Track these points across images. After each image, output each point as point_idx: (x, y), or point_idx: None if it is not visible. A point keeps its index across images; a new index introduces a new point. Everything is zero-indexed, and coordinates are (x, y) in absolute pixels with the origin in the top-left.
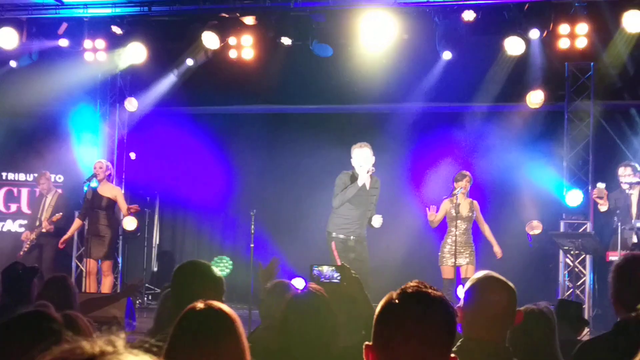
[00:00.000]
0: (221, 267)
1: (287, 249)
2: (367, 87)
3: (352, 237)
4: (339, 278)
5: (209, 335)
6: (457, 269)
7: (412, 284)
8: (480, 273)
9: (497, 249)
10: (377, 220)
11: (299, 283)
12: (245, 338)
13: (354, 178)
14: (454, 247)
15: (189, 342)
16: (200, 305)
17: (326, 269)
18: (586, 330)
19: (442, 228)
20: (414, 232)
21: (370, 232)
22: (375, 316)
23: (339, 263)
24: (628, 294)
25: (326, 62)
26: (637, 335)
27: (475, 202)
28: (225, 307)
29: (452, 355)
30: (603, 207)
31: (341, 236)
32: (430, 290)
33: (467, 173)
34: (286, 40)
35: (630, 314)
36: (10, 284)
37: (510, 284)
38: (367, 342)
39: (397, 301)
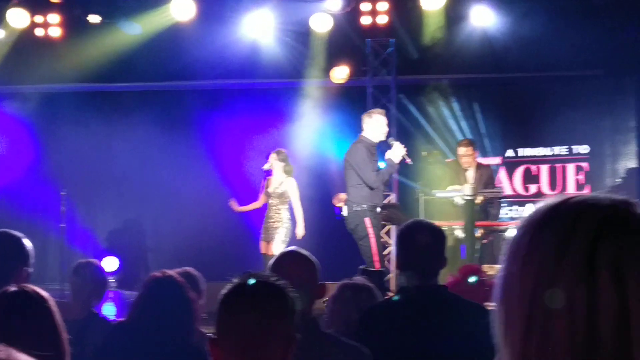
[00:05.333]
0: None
1: (99, 229)
2: (180, 63)
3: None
4: None
5: (21, 317)
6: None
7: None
8: (285, 249)
9: (299, 230)
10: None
11: (109, 264)
12: (60, 318)
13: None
14: (265, 223)
15: (2, 325)
16: (11, 288)
17: None
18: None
19: None
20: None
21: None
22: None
23: (373, 240)
24: (407, 260)
25: (136, 40)
26: (418, 299)
27: (289, 180)
28: (37, 289)
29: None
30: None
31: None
32: (261, 278)
33: (280, 150)
34: (94, 18)
35: (413, 279)
36: None
37: (313, 257)
38: (210, 335)
39: (233, 291)
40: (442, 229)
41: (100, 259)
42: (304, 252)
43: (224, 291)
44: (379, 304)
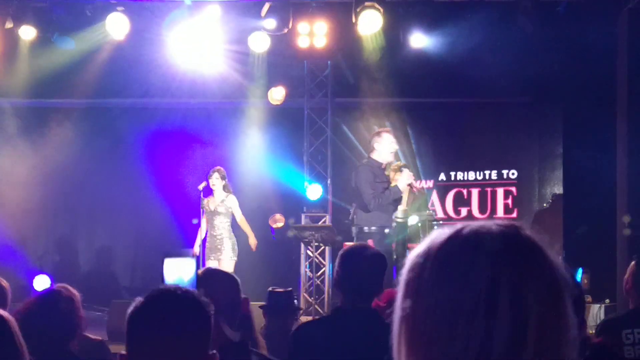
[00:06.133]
0: None
1: (30, 247)
2: (115, 80)
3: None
4: None
5: None
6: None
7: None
8: (204, 268)
9: (252, 240)
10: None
11: (41, 282)
12: (21, 338)
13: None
14: (210, 243)
15: None
16: None
17: None
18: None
19: None
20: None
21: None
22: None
23: None
24: (347, 281)
25: (71, 56)
26: (350, 320)
27: (231, 196)
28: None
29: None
30: None
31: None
32: (176, 291)
33: (217, 168)
34: (27, 32)
35: (349, 299)
36: None
37: (234, 276)
38: (122, 352)
39: (142, 306)
40: (384, 256)
41: (32, 278)
42: (224, 270)
43: (130, 307)
44: (311, 322)
